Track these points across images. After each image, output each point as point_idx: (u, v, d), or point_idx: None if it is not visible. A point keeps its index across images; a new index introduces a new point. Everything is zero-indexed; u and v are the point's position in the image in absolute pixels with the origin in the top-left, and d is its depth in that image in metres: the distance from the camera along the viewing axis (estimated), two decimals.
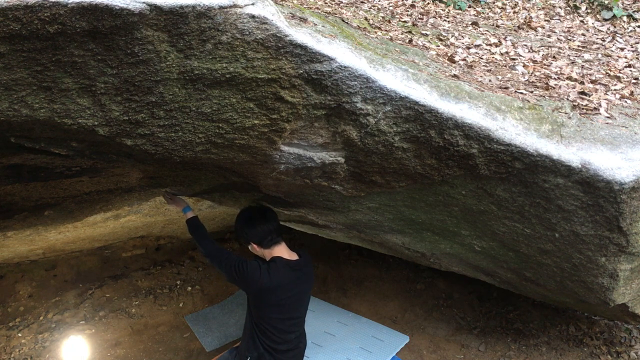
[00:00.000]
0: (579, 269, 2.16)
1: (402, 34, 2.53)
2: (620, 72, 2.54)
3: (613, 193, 1.72)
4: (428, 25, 2.96)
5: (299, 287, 2.43)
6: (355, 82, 1.65)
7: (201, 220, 2.68)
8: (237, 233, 2.54)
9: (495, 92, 1.92)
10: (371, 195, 2.32)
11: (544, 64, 2.53)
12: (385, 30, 2.48)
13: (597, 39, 3.26)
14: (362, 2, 3.13)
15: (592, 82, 2.34)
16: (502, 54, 2.60)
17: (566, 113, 1.91)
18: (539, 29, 3.40)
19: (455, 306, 3.84)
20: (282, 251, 2.43)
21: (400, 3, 3.35)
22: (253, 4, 1.42)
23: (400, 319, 3.72)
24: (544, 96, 2.03)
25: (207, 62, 1.47)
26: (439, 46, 2.48)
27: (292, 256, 2.46)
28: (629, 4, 3.81)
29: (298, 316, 2.51)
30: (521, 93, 2.00)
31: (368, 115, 1.75)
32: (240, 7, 1.39)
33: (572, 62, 2.64)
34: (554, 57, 2.70)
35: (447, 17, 3.32)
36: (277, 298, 2.36)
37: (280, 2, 2.09)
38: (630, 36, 3.32)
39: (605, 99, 2.12)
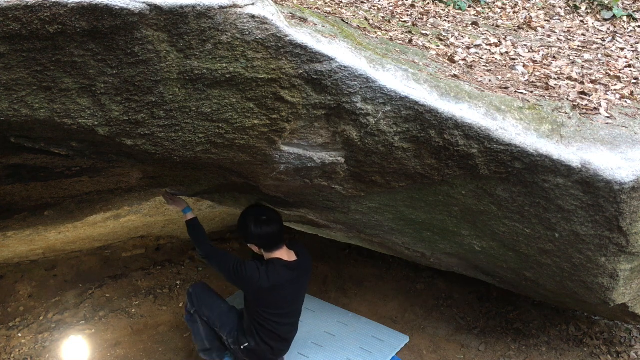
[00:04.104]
0: (579, 269, 2.16)
1: (402, 34, 2.53)
2: (620, 72, 2.54)
3: (613, 193, 1.72)
4: (428, 25, 2.96)
5: (296, 285, 2.51)
6: (355, 82, 1.65)
7: (201, 221, 2.68)
8: (240, 231, 2.53)
9: (495, 92, 1.92)
10: (371, 195, 2.32)
11: (544, 64, 2.53)
12: (385, 30, 2.48)
13: (597, 39, 3.26)
14: (362, 2, 3.13)
15: (592, 82, 2.34)
16: (502, 54, 2.60)
17: (566, 113, 1.91)
18: (539, 29, 3.40)
19: (455, 306, 3.83)
20: (282, 253, 2.49)
21: (400, 3, 3.35)
22: (253, 4, 1.42)
23: (400, 319, 3.72)
24: (544, 96, 2.03)
25: (207, 62, 1.47)
26: (439, 46, 2.47)
27: (290, 257, 2.52)
28: (629, 4, 3.81)
29: (294, 309, 2.61)
30: (521, 93, 2.00)
31: (368, 115, 1.75)
32: (240, 7, 1.39)
33: (572, 62, 2.64)
34: (554, 57, 2.70)
35: (447, 17, 3.31)
36: (275, 298, 2.43)
37: (280, 2, 2.09)
38: (630, 36, 3.32)
39: (605, 99, 2.12)
